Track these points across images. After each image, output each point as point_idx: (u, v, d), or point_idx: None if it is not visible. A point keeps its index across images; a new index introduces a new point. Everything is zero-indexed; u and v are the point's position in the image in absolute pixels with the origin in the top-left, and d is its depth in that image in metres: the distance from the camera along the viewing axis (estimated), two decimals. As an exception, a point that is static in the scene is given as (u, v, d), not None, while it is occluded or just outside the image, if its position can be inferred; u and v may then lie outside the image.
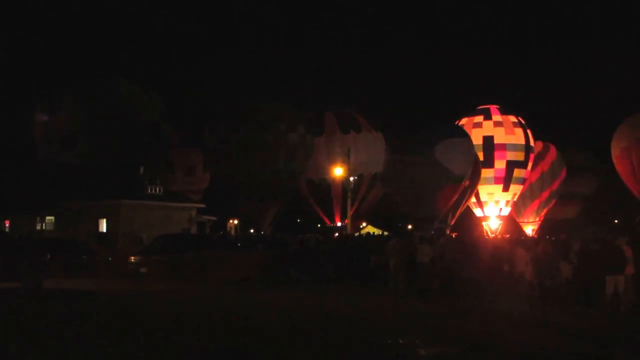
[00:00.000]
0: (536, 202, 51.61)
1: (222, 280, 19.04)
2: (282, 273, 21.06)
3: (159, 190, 35.49)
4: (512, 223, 52.31)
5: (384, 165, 42.48)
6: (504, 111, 49.31)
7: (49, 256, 18.17)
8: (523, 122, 49.09)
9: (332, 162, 40.31)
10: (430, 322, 12.64)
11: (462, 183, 42.81)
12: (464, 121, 49.27)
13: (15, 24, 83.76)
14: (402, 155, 41.98)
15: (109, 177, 33.30)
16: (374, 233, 40.01)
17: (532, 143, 48.98)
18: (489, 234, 47.46)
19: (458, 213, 45.99)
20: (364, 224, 51.57)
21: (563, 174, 51.42)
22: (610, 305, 14.03)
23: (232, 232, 47.54)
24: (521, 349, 10.20)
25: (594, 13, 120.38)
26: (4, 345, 9.92)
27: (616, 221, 58.82)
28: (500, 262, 16.94)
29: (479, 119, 48.91)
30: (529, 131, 48.85)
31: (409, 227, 50.38)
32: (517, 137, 48.16)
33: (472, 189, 45.17)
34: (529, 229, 51.79)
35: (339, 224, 42.59)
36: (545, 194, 51.42)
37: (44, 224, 34.55)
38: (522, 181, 48.88)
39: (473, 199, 47.99)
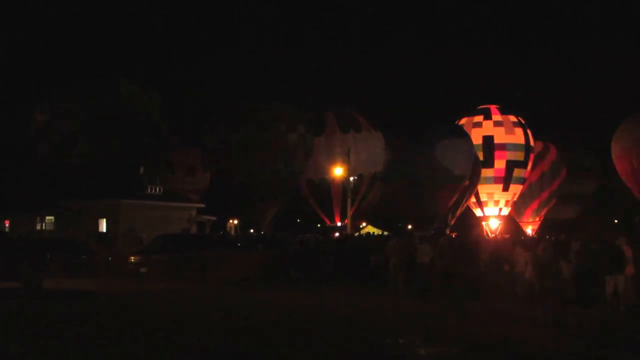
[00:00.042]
0: (536, 202, 51.62)
1: (222, 280, 19.04)
2: (282, 273, 21.08)
3: (159, 190, 35.51)
4: (512, 223, 52.32)
5: (384, 165, 42.46)
6: (503, 111, 49.31)
7: (49, 256, 18.19)
8: (523, 122, 49.10)
9: (332, 162, 40.29)
10: (430, 322, 12.64)
11: (462, 183, 42.82)
12: (463, 121, 49.28)
13: (15, 24, 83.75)
14: (402, 155, 41.99)
15: (109, 177, 33.30)
16: (373, 233, 39.99)
17: (532, 143, 48.98)
18: (489, 233, 47.46)
19: (458, 213, 46.00)
20: (364, 224, 51.54)
21: (563, 174, 51.43)
22: (610, 305, 14.04)
23: (232, 232, 47.53)
24: (521, 349, 10.20)
25: (594, 13, 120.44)
26: (4, 345, 9.92)
27: (616, 221, 58.79)
28: (499, 262, 16.96)
29: (478, 118, 48.92)
30: (528, 131, 48.86)
31: (409, 227, 50.36)
32: (517, 137, 48.18)
33: (472, 188, 45.19)
34: (529, 229, 51.80)
35: (338, 224, 42.55)
36: (545, 194, 51.43)
37: (43, 224, 34.55)
38: (522, 181, 48.89)
39: (473, 199, 48.00)
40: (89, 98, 36.98)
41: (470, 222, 50.56)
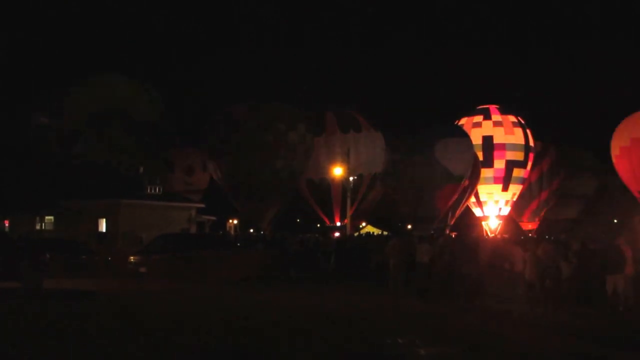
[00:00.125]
0: (536, 202, 51.57)
1: (222, 280, 19.04)
2: (282, 273, 21.08)
3: (159, 190, 35.51)
4: (511, 223, 52.30)
5: (384, 165, 42.44)
6: (503, 111, 49.29)
7: (48, 256, 18.18)
8: (523, 122, 49.07)
9: (332, 162, 40.26)
10: (430, 322, 12.65)
11: (462, 183, 42.81)
12: (463, 121, 49.26)
13: (15, 24, 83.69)
14: (402, 155, 41.97)
15: (109, 177, 33.31)
16: (373, 233, 40.02)
17: (531, 143, 48.95)
18: (489, 233, 47.47)
19: (458, 213, 45.99)
20: (364, 224, 51.56)
21: (563, 174, 51.41)
22: (610, 305, 14.04)
23: (232, 232, 47.55)
24: (521, 349, 10.21)
25: (594, 13, 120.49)
26: (4, 345, 9.92)
27: (616, 221, 58.76)
28: (499, 262, 16.95)
29: (478, 118, 48.89)
30: (528, 131, 48.83)
31: (409, 227, 50.34)
32: (517, 136, 48.15)
33: (471, 188, 45.17)
34: (529, 229, 51.77)
35: (338, 223, 42.53)
36: (545, 194, 51.40)
37: (43, 224, 34.56)
38: (522, 181, 48.87)
39: (472, 199, 47.98)
40: (90, 98, 36.97)
41: (470, 222, 50.56)
